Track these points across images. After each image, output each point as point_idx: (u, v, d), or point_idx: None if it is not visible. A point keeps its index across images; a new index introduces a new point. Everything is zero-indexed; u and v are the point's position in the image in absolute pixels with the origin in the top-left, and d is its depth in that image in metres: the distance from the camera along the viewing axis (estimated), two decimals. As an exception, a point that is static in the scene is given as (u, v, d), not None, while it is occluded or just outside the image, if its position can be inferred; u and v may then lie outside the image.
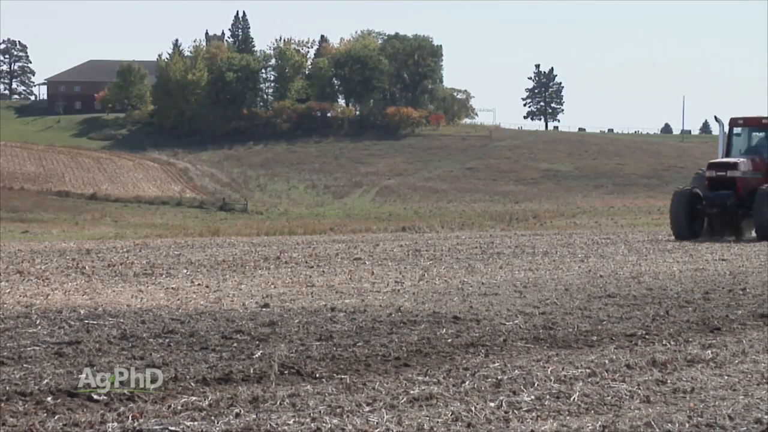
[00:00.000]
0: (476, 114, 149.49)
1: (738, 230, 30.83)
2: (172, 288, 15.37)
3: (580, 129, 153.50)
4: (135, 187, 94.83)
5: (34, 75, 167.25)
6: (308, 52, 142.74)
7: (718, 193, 30.24)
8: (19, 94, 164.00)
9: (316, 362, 9.02)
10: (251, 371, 8.53)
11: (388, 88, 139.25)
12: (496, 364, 9.05)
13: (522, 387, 8.06)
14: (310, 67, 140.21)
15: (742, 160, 30.92)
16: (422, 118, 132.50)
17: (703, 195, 30.44)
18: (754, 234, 30.05)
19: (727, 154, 31.77)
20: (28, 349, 9.48)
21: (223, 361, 8.98)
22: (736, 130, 32.27)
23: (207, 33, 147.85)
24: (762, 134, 32.01)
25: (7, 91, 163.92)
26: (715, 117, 32.99)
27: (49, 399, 7.43)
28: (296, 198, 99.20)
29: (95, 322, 11.22)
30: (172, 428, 6.69)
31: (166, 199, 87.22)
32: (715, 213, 30.43)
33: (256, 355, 9.26)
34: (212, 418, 6.98)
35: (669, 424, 6.93)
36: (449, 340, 10.29)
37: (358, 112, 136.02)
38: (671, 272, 18.56)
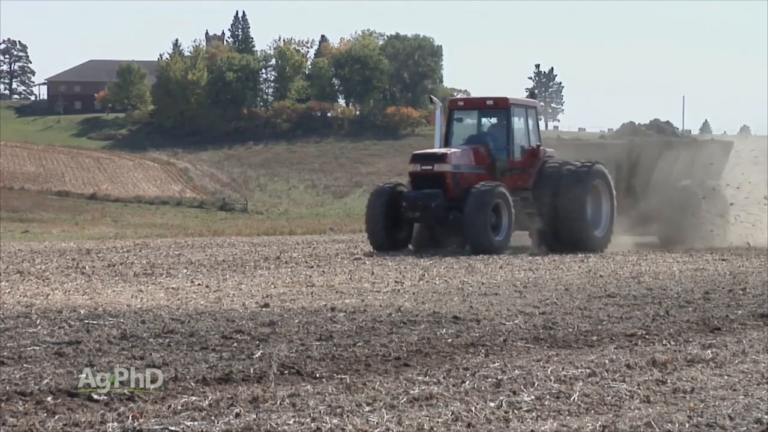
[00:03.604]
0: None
1: (456, 239, 24.68)
2: (172, 288, 15.37)
3: (580, 129, 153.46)
4: (135, 187, 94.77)
5: (34, 75, 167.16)
6: (308, 52, 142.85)
7: (421, 193, 24.21)
8: (19, 94, 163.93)
9: (316, 362, 9.02)
10: (251, 371, 8.53)
11: (388, 88, 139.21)
12: (496, 364, 9.06)
13: (522, 387, 8.06)
14: (310, 67, 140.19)
15: (455, 151, 24.90)
16: (422, 117, 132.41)
17: (404, 195, 24.61)
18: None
19: (447, 143, 25.86)
20: (28, 349, 9.48)
21: (223, 361, 8.98)
22: (458, 114, 26.48)
23: (207, 33, 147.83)
24: (491, 120, 26.07)
25: (7, 91, 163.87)
26: (430, 98, 28.02)
27: (49, 399, 7.43)
28: (296, 198, 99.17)
29: (95, 322, 11.22)
30: (172, 428, 6.69)
31: (166, 199, 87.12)
32: (419, 217, 24.46)
33: (256, 355, 9.26)
34: (212, 418, 6.98)
35: (669, 424, 6.93)
36: (449, 340, 10.30)
37: (358, 112, 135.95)
38: (671, 272, 18.58)
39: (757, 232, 28.92)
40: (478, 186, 23.87)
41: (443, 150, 25.02)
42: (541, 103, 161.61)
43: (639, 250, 25.71)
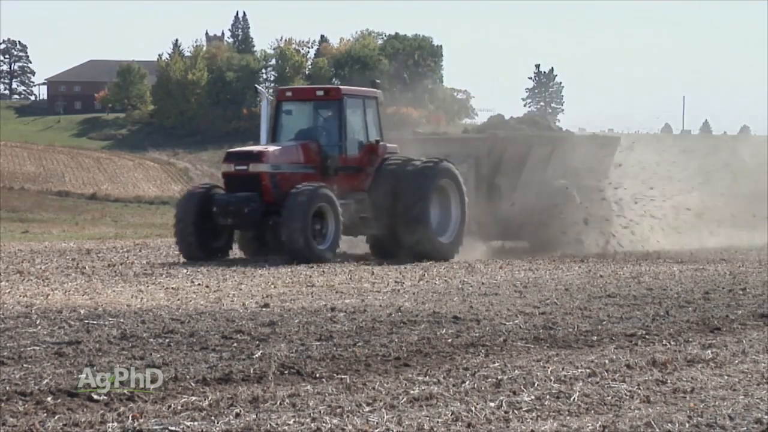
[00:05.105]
0: (476, 114, 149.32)
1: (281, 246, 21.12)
2: (172, 288, 15.37)
3: (580, 129, 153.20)
4: (135, 187, 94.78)
5: (34, 75, 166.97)
6: (308, 52, 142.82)
7: (233, 196, 21.24)
8: (19, 94, 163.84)
9: (316, 362, 9.02)
10: (251, 371, 8.53)
11: (388, 88, 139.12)
12: (496, 364, 9.06)
13: (522, 387, 8.06)
14: (310, 67, 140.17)
15: (275, 148, 21.91)
16: (422, 117, 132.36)
17: (215, 198, 21.52)
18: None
19: (274, 138, 22.80)
20: (28, 349, 9.48)
21: (223, 361, 8.98)
22: (286, 106, 23.07)
23: (207, 33, 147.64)
24: (323, 113, 22.90)
25: (7, 91, 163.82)
26: (256, 87, 24.68)
27: (49, 399, 7.43)
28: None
29: (95, 322, 11.22)
30: (172, 428, 6.69)
31: (166, 199, 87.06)
32: (232, 224, 21.42)
33: (256, 355, 9.26)
34: (212, 418, 6.98)
35: (669, 424, 6.93)
36: (449, 340, 10.30)
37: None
38: (671, 272, 18.58)
39: (643, 238, 26.48)
40: (298, 187, 20.95)
41: (260, 148, 22.22)
42: (541, 103, 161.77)
43: (509, 256, 23.31)
